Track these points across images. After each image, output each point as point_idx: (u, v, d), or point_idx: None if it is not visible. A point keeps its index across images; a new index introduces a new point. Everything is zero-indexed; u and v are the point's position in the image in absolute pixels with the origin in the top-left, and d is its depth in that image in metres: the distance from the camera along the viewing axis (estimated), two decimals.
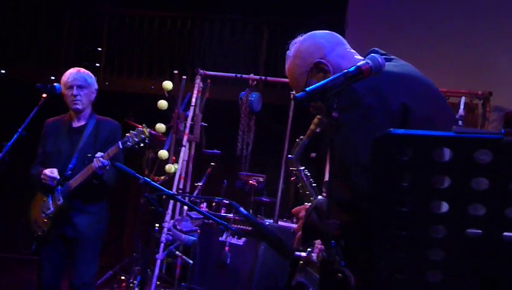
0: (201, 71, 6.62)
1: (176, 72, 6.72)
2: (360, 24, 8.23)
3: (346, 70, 1.87)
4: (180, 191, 6.20)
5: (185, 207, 6.14)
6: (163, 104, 6.18)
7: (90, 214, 4.18)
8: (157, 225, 6.14)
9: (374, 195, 1.18)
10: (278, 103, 7.39)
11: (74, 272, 4.16)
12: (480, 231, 1.16)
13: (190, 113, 6.43)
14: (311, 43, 2.26)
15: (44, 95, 4.04)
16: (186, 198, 5.80)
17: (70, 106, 4.23)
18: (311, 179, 2.58)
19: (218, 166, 6.90)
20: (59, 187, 4.09)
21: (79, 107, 4.22)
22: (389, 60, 2.08)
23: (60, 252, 4.17)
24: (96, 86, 4.34)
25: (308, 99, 1.84)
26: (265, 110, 6.58)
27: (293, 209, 2.31)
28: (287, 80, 6.96)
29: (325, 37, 2.28)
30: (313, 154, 7.32)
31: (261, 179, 6.26)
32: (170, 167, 6.04)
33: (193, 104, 6.47)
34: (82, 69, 4.32)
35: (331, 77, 1.85)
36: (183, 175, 6.36)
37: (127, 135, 4.03)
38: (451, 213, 1.16)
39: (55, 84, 4.11)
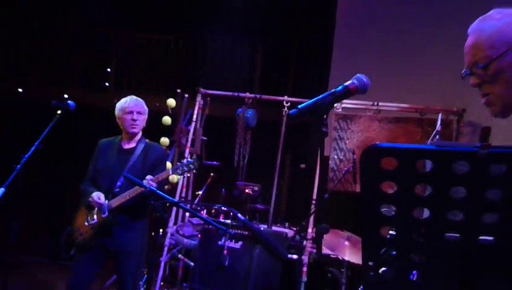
0: (202, 90, 6.63)
1: (178, 90, 6.73)
2: (345, 43, 8.28)
3: (334, 90, 1.88)
4: (183, 199, 6.18)
5: (187, 214, 6.13)
6: (167, 120, 6.17)
7: (133, 230, 4.14)
8: (161, 230, 6.11)
9: (362, 201, 1.18)
10: (271, 119, 7.39)
11: (121, 285, 4.13)
12: (458, 235, 1.16)
13: (191, 128, 6.43)
14: None
15: (59, 112, 4.03)
16: (188, 205, 5.78)
17: (128, 129, 4.23)
18: None
19: (217, 176, 6.89)
20: (106, 201, 4.08)
21: (136, 130, 4.25)
22: None
23: (96, 261, 4.13)
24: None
25: (300, 115, 1.84)
26: (260, 125, 6.59)
27: None
28: (279, 98, 6.93)
29: None
30: (303, 166, 7.32)
31: (256, 188, 6.25)
32: (173, 177, 6.01)
33: (194, 120, 6.48)
34: (138, 98, 4.35)
35: (321, 96, 1.86)
36: (185, 185, 6.36)
37: (178, 163, 4.07)
38: (432, 219, 1.17)
39: (69, 101, 4.10)
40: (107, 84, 10.44)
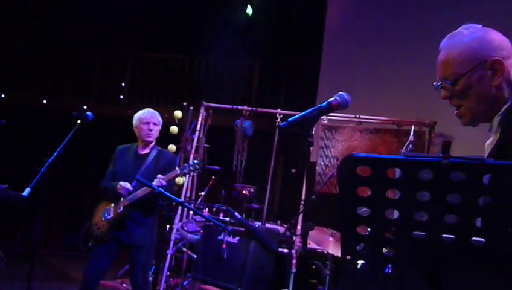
0: (205, 103, 6.65)
1: (184, 103, 6.75)
2: (331, 63, 8.32)
3: (319, 105, 1.89)
4: (187, 199, 6.18)
5: (191, 212, 6.13)
6: (174, 129, 6.20)
7: (144, 225, 4.14)
8: (168, 226, 6.11)
9: (341, 203, 1.20)
10: (266, 129, 7.41)
11: (132, 274, 4.12)
12: (423, 233, 1.18)
13: (195, 137, 6.44)
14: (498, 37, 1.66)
15: (78, 122, 4.04)
16: (192, 205, 5.78)
17: (144, 138, 4.25)
18: None
19: (217, 179, 6.90)
20: (121, 198, 4.09)
21: (151, 139, 4.27)
22: None
23: (110, 253, 4.12)
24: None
25: (289, 127, 1.85)
26: (256, 135, 6.61)
27: None
28: (273, 110, 6.99)
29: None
30: (293, 170, 7.32)
31: (252, 190, 6.26)
32: (179, 180, 6.03)
33: (198, 129, 6.49)
34: (155, 110, 4.38)
35: (308, 110, 1.87)
36: (189, 186, 6.36)
37: (185, 164, 4.10)
38: (401, 219, 1.18)
39: (87, 112, 4.12)
40: (121, 97, 10.45)
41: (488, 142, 1.67)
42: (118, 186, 4.09)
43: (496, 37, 1.64)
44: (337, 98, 1.92)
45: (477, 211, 1.12)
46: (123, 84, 10.50)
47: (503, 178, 1.09)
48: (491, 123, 1.64)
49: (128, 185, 4.07)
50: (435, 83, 1.70)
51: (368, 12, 8.25)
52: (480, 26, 1.69)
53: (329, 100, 1.91)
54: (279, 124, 6.35)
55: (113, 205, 4.13)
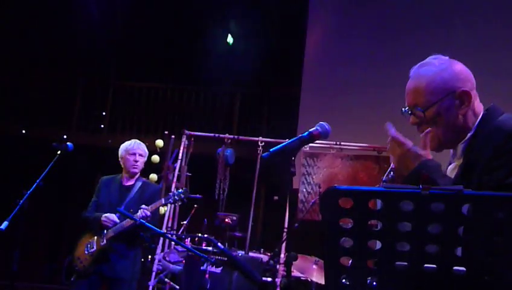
0: (187, 132, 6.65)
1: (166, 132, 6.75)
2: (311, 91, 8.42)
3: (300, 135, 1.92)
4: (169, 229, 6.13)
5: (173, 242, 6.06)
6: (156, 158, 6.19)
7: (127, 258, 4.07)
8: (149, 257, 6.03)
9: (324, 234, 1.21)
10: (247, 157, 7.42)
11: None
12: (406, 263, 1.19)
13: (177, 166, 6.42)
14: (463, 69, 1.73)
15: (58, 152, 3.99)
16: (174, 235, 5.72)
17: (130, 169, 4.21)
18: None
19: (200, 208, 6.85)
20: (105, 231, 4.02)
21: (136, 171, 4.24)
22: None
23: (92, 288, 4.03)
24: None
25: (272, 157, 1.87)
26: (237, 163, 6.61)
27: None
28: (255, 138, 7.01)
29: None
30: (276, 197, 7.32)
31: (234, 218, 6.23)
32: (161, 209, 5.98)
33: (180, 158, 6.48)
34: (141, 142, 4.35)
35: (289, 140, 1.89)
36: (171, 216, 6.31)
37: (169, 194, 4.06)
38: (384, 249, 1.19)
39: (68, 143, 4.07)
40: (102, 126, 10.40)
41: (450, 167, 1.73)
42: (104, 218, 4.02)
43: (462, 69, 1.72)
44: (318, 128, 1.95)
45: (457, 240, 1.14)
46: (104, 113, 10.46)
47: (481, 208, 1.12)
48: (455, 149, 1.70)
49: (115, 217, 4.01)
50: (403, 109, 1.76)
51: (346, 40, 8.40)
52: (447, 57, 1.75)
53: (311, 130, 1.94)
54: (262, 154, 6.38)
55: (96, 237, 4.06)
